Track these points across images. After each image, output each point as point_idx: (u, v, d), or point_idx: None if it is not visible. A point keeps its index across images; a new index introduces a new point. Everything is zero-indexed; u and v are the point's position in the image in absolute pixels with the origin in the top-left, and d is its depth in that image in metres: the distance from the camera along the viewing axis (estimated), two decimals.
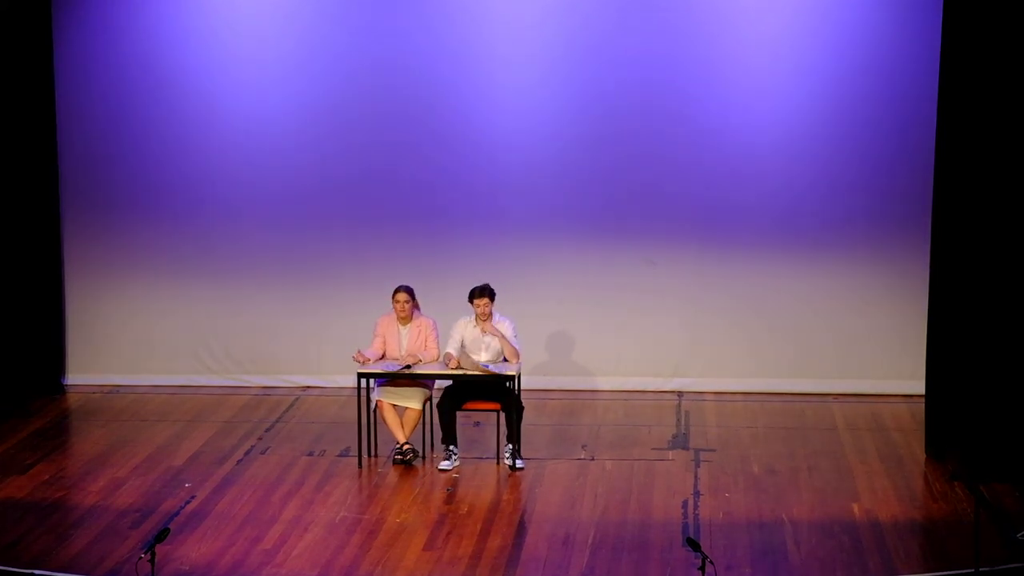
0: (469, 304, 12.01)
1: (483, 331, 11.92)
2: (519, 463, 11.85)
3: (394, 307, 12.09)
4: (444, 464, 11.84)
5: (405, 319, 12.12)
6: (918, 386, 12.92)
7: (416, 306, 12.17)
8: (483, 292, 11.98)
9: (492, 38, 13.83)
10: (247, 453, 12.34)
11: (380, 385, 12.08)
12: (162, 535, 8.66)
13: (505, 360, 11.96)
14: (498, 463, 12.01)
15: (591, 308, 14.13)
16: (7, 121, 13.68)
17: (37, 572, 9.72)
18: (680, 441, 12.65)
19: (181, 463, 12.07)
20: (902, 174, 13.63)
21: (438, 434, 12.05)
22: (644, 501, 11.11)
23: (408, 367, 11.90)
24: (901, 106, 13.54)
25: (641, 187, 13.90)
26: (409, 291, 12.11)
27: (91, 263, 14.40)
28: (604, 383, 14.21)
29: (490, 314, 12.00)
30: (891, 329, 13.88)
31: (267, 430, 13.02)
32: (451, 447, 11.89)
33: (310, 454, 12.31)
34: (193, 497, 11.20)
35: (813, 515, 10.76)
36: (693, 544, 8.44)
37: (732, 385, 14.08)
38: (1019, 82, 11.36)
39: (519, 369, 12.04)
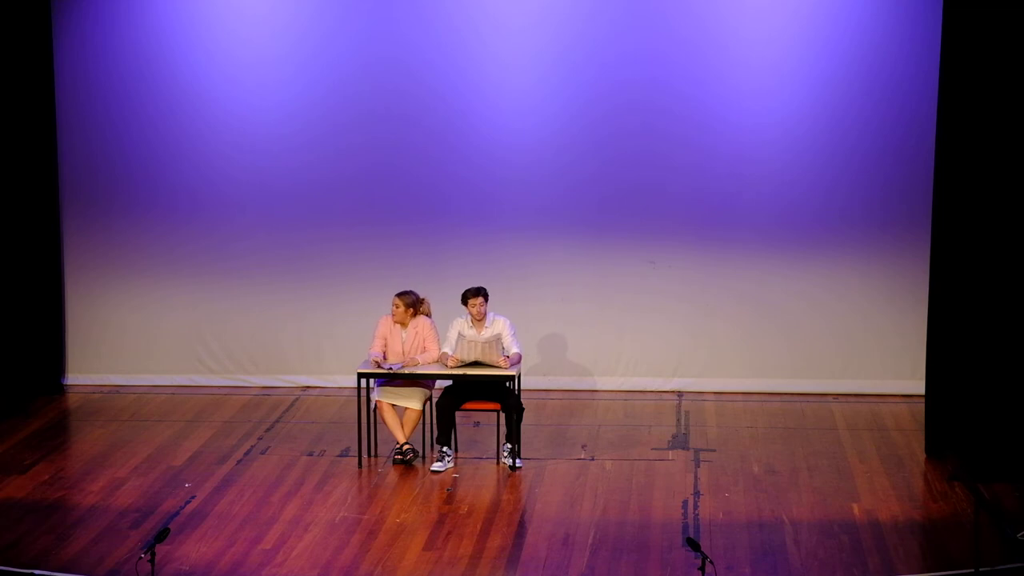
0: (463, 306, 12.02)
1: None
2: (518, 463, 11.85)
3: (392, 311, 12.12)
4: (436, 466, 11.83)
5: (401, 323, 12.12)
6: (918, 386, 12.93)
7: (417, 313, 12.15)
8: (477, 293, 11.98)
9: (492, 38, 13.83)
10: (247, 453, 12.34)
11: (380, 385, 12.09)
12: (162, 535, 8.66)
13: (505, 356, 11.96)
14: (498, 463, 12.01)
15: (591, 308, 14.14)
16: (7, 121, 13.69)
17: (37, 572, 9.72)
18: (680, 441, 12.65)
19: (181, 463, 12.07)
20: (902, 174, 13.63)
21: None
22: (644, 501, 11.11)
23: (404, 367, 11.90)
24: (901, 106, 13.54)
25: (641, 187, 13.90)
26: (404, 297, 12.09)
27: (91, 263, 14.40)
28: (604, 383, 14.21)
29: (484, 314, 12.01)
30: (891, 329, 13.88)
31: (267, 430, 13.03)
32: (444, 448, 11.88)
33: (310, 454, 12.32)
34: (193, 497, 11.20)
35: (813, 515, 10.76)
36: (693, 544, 8.44)
37: (732, 385, 14.09)
38: (1019, 82, 11.36)
39: (519, 369, 12.04)
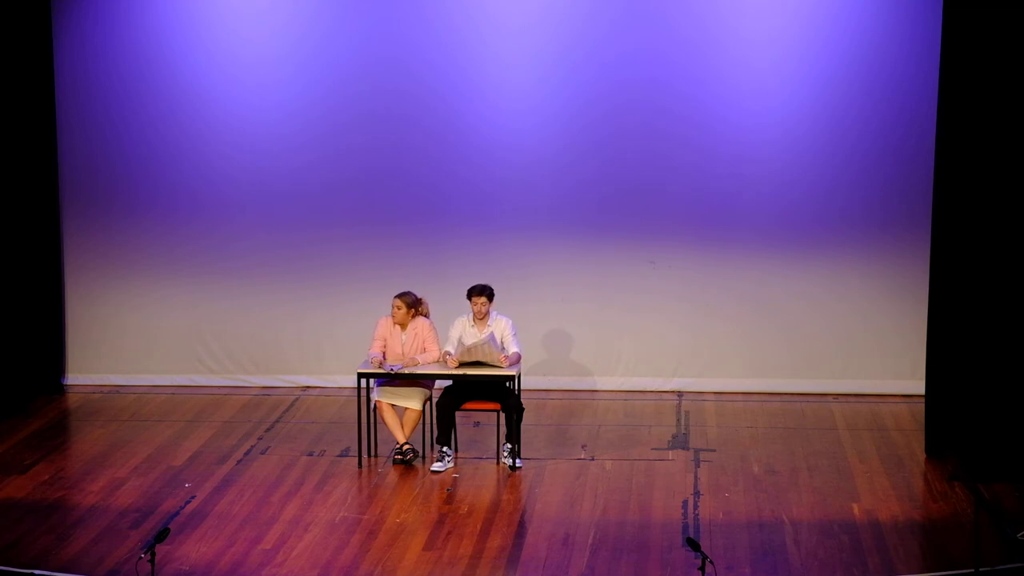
0: (468, 301, 12.04)
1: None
2: (518, 463, 11.85)
3: (393, 313, 12.12)
4: (436, 466, 11.82)
5: (400, 324, 12.11)
6: (918, 386, 12.93)
7: (416, 314, 12.13)
8: (482, 291, 11.99)
9: (492, 38, 13.83)
10: (247, 453, 12.34)
11: (380, 385, 12.08)
12: (162, 535, 8.66)
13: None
14: (498, 463, 12.01)
15: (591, 308, 14.14)
16: (7, 121, 13.69)
17: (37, 572, 9.72)
18: (680, 441, 12.65)
19: (181, 463, 12.07)
20: (902, 174, 13.63)
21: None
22: (644, 501, 11.11)
23: (404, 368, 11.90)
24: (901, 106, 13.54)
25: (641, 187, 13.90)
26: (404, 298, 12.09)
27: (91, 263, 14.40)
28: (604, 383, 14.21)
29: (486, 313, 12.01)
30: (891, 329, 13.88)
31: (267, 430, 13.03)
32: (444, 448, 11.88)
33: (310, 454, 12.32)
34: (193, 497, 11.20)
35: (813, 515, 10.76)
36: (693, 544, 8.44)
37: (732, 385, 14.09)
38: (1019, 82, 11.36)
39: (519, 370, 12.04)
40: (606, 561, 9.90)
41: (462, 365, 11.85)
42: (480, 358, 11.84)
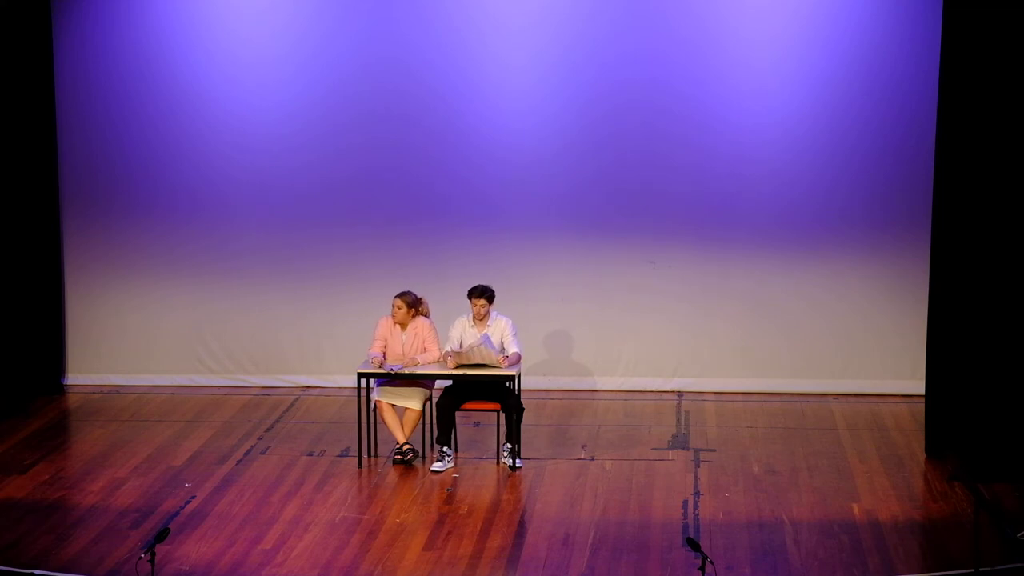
0: (468, 301, 12.04)
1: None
2: (518, 463, 11.85)
3: (393, 312, 12.12)
4: (436, 466, 11.82)
5: (400, 323, 12.11)
6: (918, 386, 12.93)
7: (417, 313, 12.13)
8: (482, 293, 11.99)
9: (492, 38, 13.83)
10: (247, 453, 12.34)
11: (380, 385, 12.08)
12: (162, 535, 8.66)
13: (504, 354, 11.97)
14: (498, 463, 12.01)
15: (591, 308, 14.14)
16: (7, 121, 13.69)
17: (37, 572, 9.72)
18: (680, 441, 12.65)
19: (181, 463, 12.07)
20: (902, 174, 13.63)
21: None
22: (644, 501, 11.11)
23: (404, 368, 11.90)
24: (901, 106, 13.54)
25: (642, 187, 13.91)
26: (404, 297, 12.09)
27: (91, 263, 14.41)
28: (604, 383, 14.21)
29: (486, 314, 12.01)
30: (891, 329, 13.88)
31: (267, 430, 13.03)
32: (444, 448, 11.88)
33: (310, 454, 12.32)
34: (193, 497, 11.20)
35: (813, 515, 10.76)
36: (693, 544, 8.44)
37: (732, 385, 14.09)
38: (1019, 82, 11.36)
39: (519, 370, 12.05)
40: (606, 561, 9.91)
41: (462, 366, 11.85)
42: (478, 360, 11.84)
